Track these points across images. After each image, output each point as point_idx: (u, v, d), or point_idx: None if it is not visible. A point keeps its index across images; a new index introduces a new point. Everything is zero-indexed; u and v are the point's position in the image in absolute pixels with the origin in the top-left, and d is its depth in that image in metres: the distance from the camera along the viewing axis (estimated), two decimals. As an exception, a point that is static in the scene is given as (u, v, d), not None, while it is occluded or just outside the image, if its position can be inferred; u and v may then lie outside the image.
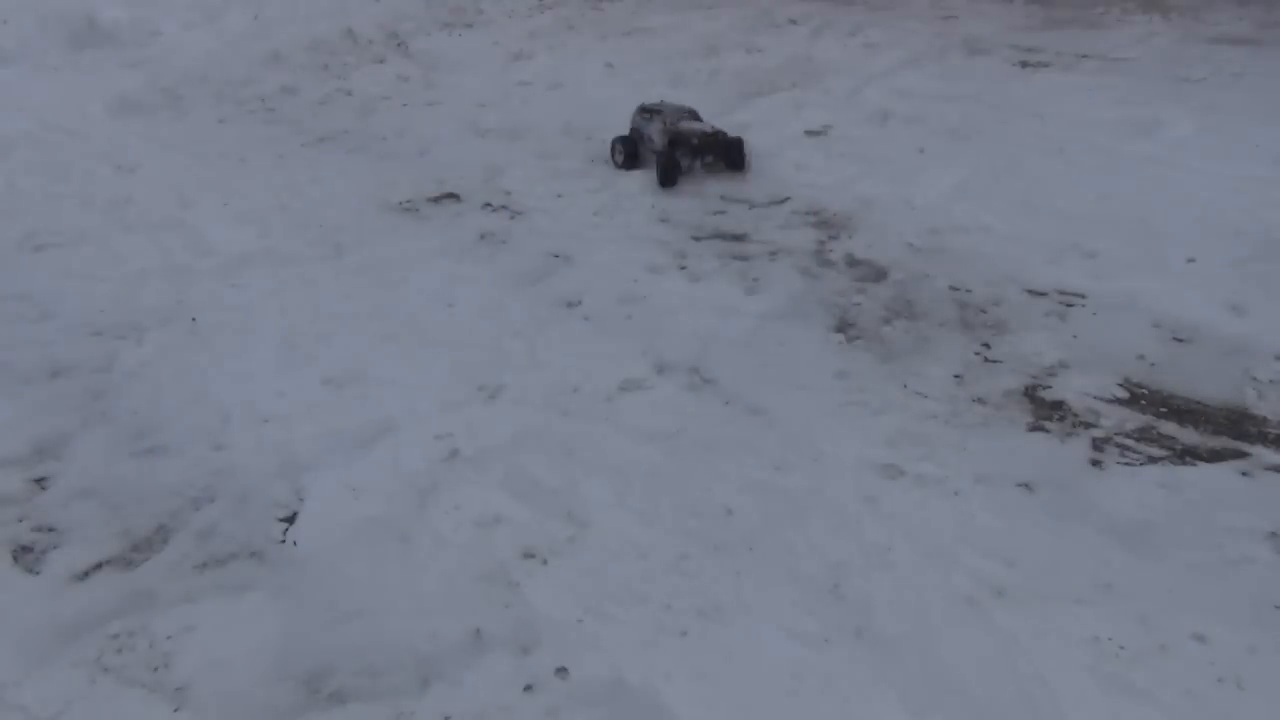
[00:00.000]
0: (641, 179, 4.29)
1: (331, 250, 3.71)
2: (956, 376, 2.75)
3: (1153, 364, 2.77)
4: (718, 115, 5.08)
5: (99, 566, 2.17)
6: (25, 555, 2.21)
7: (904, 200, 3.92)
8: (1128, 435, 2.48)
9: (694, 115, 4.49)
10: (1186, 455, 2.39)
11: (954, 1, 7.21)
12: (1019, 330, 2.96)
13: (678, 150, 4.22)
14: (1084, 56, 5.71)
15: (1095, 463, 2.37)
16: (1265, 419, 2.52)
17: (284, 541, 2.22)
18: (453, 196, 4.22)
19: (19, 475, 2.47)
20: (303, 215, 4.05)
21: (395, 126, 5.23)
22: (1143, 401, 2.61)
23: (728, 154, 4.30)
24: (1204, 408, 2.58)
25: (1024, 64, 5.66)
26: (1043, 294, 3.16)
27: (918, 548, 2.12)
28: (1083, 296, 3.12)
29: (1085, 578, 2.03)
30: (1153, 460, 2.38)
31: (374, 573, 2.12)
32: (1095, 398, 2.63)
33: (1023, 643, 1.88)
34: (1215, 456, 2.39)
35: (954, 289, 3.22)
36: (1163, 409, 2.58)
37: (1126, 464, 2.37)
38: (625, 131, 4.54)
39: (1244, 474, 2.32)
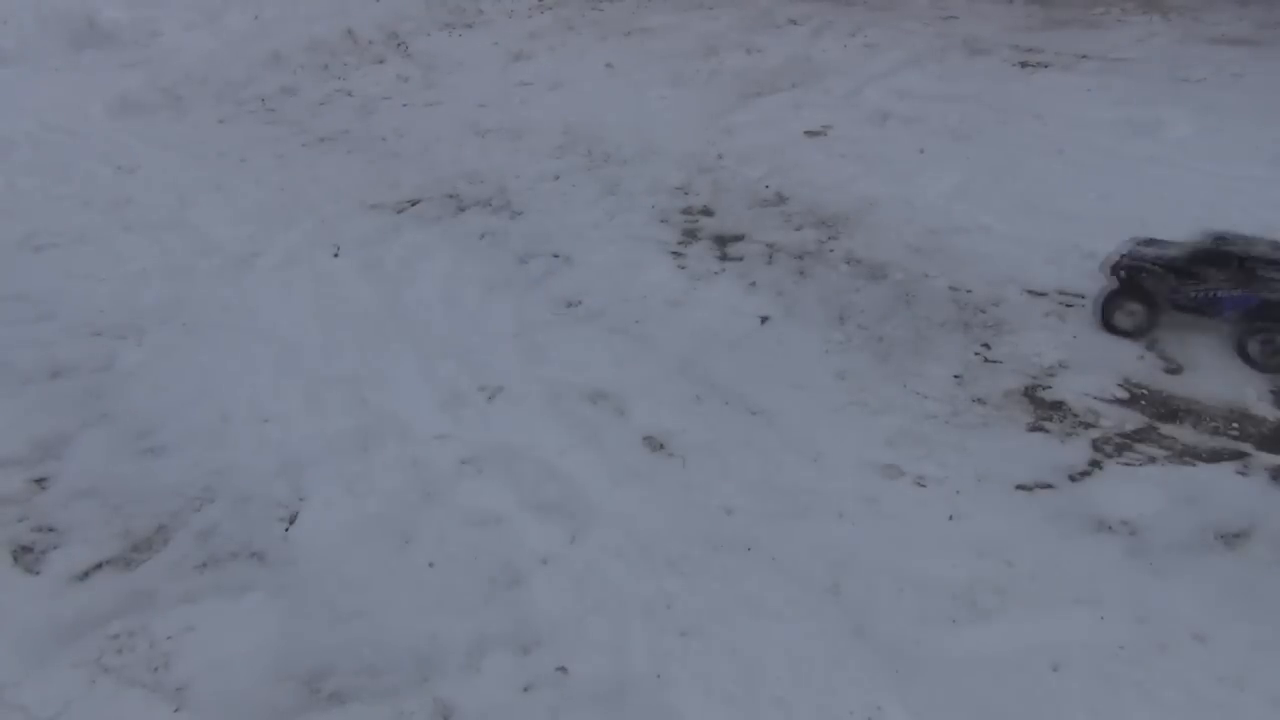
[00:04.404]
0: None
1: (331, 250, 3.71)
2: (956, 376, 2.75)
3: (1153, 364, 2.76)
4: (718, 115, 5.09)
5: (99, 566, 2.17)
6: (25, 555, 2.21)
7: (904, 200, 3.91)
8: (1128, 435, 2.47)
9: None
10: (1186, 455, 2.39)
11: (954, 1, 7.21)
12: (1019, 330, 2.96)
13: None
14: (1084, 56, 5.71)
15: (1095, 463, 2.37)
16: (1265, 419, 2.52)
17: (286, 533, 2.22)
18: (453, 196, 4.22)
19: (19, 475, 2.47)
20: (303, 215, 4.05)
21: (395, 126, 5.23)
22: (1143, 401, 2.61)
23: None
24: (1204, 408, 2.58)
25: (1024, 64, 5.66)
26: (1043, 294, 3.16)
27: (918, 548, 2.12)
28: (1083, 296, 3.12)
29: (1084, 578, 2.03)
30: (1152, 460, 2.38)
31: (374, 573, 2.12)
32: (1095, 398, 2.63)
33: (1023, 643, 1.88)
34: (1215, 456, 2.38)
35: (954, 289, 3.21)
36: (1163, 409, 2.58)
37: (1126, 464, 2.37)
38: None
39: (1243, 474, 2.32)
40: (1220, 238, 2.86)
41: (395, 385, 2.80)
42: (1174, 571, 2.03)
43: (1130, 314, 2.85)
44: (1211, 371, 2.71)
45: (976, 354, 2.86)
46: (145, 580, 2.12)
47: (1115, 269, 2.88)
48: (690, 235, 3.74)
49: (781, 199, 4.03)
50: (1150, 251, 2.89)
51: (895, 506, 2.25)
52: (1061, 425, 2.53)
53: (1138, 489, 2.28)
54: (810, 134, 4.77)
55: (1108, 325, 2.90)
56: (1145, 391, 2.65)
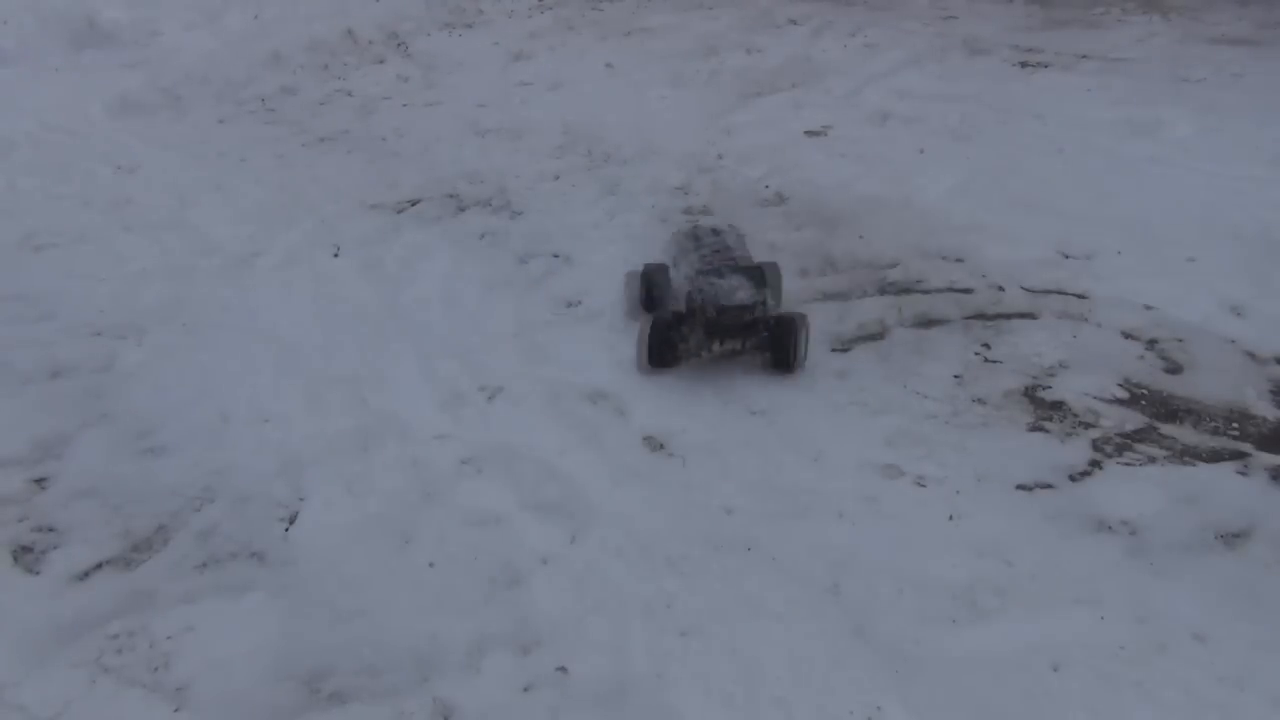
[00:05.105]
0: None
1: (331, 250, 3.71)
2: (956, 376, 2.75)
3: (1153, 364, 2.77)
4: (718, 115, 5.09)
5: (99, 566, 2.17)
6: (25, 555, 2.21)
7: (904, 200, 3.91)
8: (1128, 435, 2.48)
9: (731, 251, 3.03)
10: (1186, 455, 2.39)
11: (954, 1, 7.20)
12: (1019, 330, 2.96)
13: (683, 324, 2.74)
14: (1084, 56, 5.70)
15: (1095, 463, 2.37)
16: (1265, 419, 2.52)
17: (286, 533, 2.22)
18: (453, 196, 4.22)
19: (19, 475, 2.47)
20: (303, 215, 4.05)
21: (395, 126, 5.23)
22: (1143, 401, 2.61)
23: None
24: (1204, 408, 2.58)
25: (1024, 64, 5.66)
26: (1043, 294, 3.16)
27: (918, 548, 2.12)
28: (1083, 296, 3.12)
29: (1084, 577, 2.03)
30: (1152, 460, 2.38)
31: (374, 573, 2.12)
32: (1095, 398, 2.63)
33: (1023, 643, 1.88)
34: (1215, 456, 2.38)
35: (954, 289, 3.22)
36: (1163, 409, 2.58)
37: (1126, 464, 2.37)
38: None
39: (1243, 474, 2.32)
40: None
41: (395, 385, 2.80)
42: (1174, 571, 2.03)
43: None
44: (1211, 371, 2.72)
45: (976, 354, 2.86)
46: (145, 580, 2.12)
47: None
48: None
49: (781, 199, 4.03)
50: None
51: (895, 506, 2.26)
52: (1061, 425, 2.53)
53: (1138, 489, 2.28)
54: (810, 134, 4.77)
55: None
56: (1145, 391, 2.65)
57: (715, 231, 3.15)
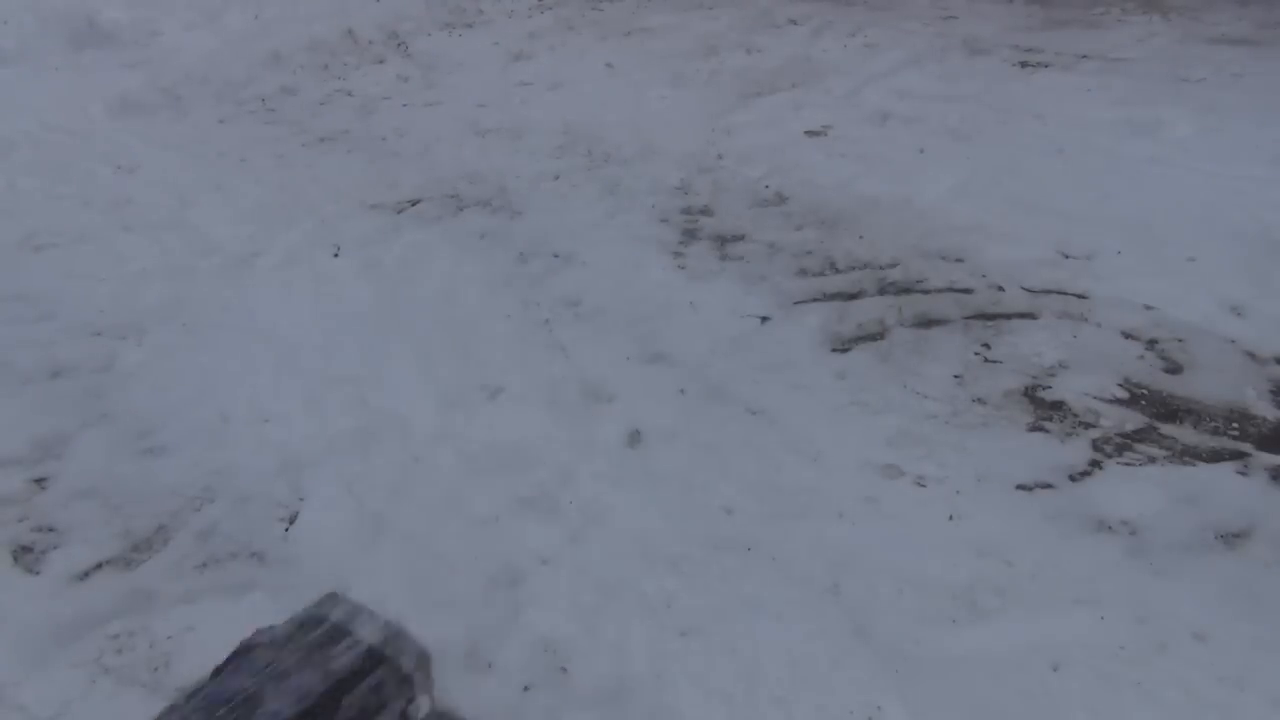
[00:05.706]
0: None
1: (331, 250, 3.71)
2: (956, 376, 2.75)
3: (1153, 364, 2.77)
4: (718, 115, 5.09)
5: (99, 566, 2.17)
6: (25, 555, 2.21)
7: (904, 200, 3.91)
8: (1127, 435, 2.48)
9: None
10: (1186, 455, 2.39)
11: (954, 1, 7.20)
12: (1019, 330, 2.96)
13: None
14: (1084, 56, 5.70)
15: (1095, 463, 2.37)
16: (1265, 419, 2.52)
17: (286, 533, 2.22)
18: (453, 196, 4.22)
19: (19, 475, 2.47)
20: (303, 215, 4.05)
21: (395, 126, 5.23)
22: (1143, 401, 2.61)
23: None
24: (1204, 408, 2.58)
25: (1024, 64, 5.66)
26: (1043, 294, 3.16)
27: (918, 547, 2.12)
28: (1083, 296, 3.12)
29: (1084, 577, 2.03)
30: (1152, 460, 2.38)
31: (374, 573, 2.12)
32: (1095, 398, 2.63)
33: (1022, 643, 1.88)
34: (1215, 456, 2.39)
35: (954, 289, 3.22)
36: (1163, 409, 2.58)
37: (1126, 464, 2.37)
38: None
39: (1243, 474, 2.32)
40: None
41: (395, 385, 2.80)
42: (1174, 571, 2.03)
43: None
44: (1211, 371, 2.72)
45: (976, 354, 2.86)
46: (145, 580, 2.12)
47: None
48: (690, 235, 3.74)
49: (781, 199, 4.03)
50: None
51: (895, 506, 2.26)
52: (1061, 425, 2.53)
53: (1138, 489, 2.28)
54: (810, 134, 4.77)
55: None
56: (1145, 391, 2.65)
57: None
